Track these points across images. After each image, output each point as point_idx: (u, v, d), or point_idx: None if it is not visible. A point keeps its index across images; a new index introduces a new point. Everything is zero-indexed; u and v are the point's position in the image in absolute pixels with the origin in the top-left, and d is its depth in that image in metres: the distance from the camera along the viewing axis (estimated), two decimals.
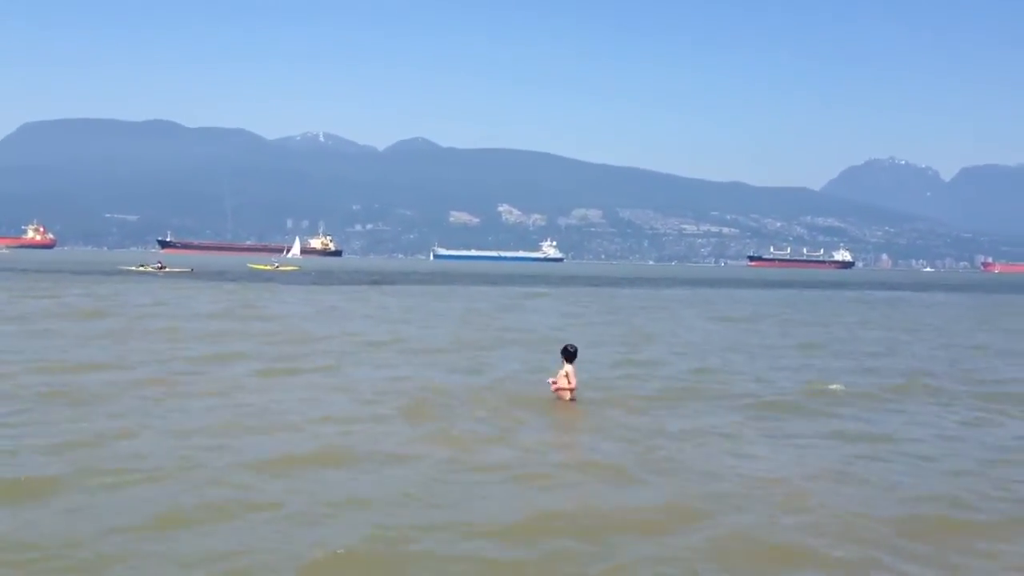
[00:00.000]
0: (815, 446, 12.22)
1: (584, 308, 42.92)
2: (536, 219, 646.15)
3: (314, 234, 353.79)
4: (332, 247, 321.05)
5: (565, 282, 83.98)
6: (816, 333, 31.03)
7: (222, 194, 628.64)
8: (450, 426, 12.60)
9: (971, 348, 27.17)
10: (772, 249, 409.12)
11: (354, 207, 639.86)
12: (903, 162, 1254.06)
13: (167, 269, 79.14)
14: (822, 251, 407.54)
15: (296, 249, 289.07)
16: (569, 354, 14.76)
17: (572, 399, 14.71)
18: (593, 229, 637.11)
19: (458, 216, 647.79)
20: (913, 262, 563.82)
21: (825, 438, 12.73)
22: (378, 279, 78.06)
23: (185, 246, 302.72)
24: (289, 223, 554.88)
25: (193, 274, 74.63)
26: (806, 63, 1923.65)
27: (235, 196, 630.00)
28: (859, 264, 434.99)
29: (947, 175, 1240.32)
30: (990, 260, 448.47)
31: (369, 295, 50.10)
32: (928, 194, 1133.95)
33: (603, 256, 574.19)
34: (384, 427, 12.48)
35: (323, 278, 75.89)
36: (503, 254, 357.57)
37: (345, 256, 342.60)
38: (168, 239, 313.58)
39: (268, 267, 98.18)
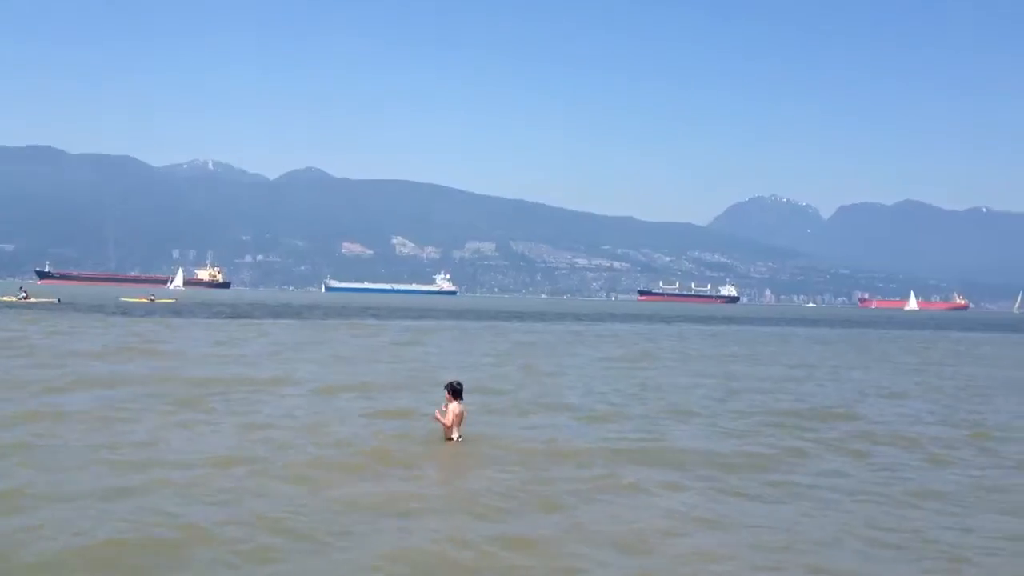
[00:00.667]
0: (728, 499, 12.14)
1: (481, 343, 42.67)
2: (430, 252, 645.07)
3: (201, 265, 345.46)
4: (220, 278, 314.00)
5: (460, 316, 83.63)
6: (714, 369, 31.40)
7: (105, 223, 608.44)
8: (346, 481, 12.09)
9: (857, 383, 27.89)
10: (661, 284, 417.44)
11: (244, 237, 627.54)
12: (785, 200, 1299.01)
13: (31, 299, 76.21)
14: (709, 286, 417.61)
15: (179, 280, 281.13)
16: (455, 391, 14.52)
17: (459, 438, 14.52)
18: (487, 262, 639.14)
19: (351, 248, 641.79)
20: (795, 297, 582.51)
21: (728, 490, 12.69)
22: (270, 312, 76.31)
23: (64, 277, 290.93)
24: (176, 253, 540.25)
25: (59, 305, 71.81)
26: (693, 102, 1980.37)
27: (119, 225, 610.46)
28: (744, 299, 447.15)
29: (826, 213, 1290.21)
30: (867, 296, 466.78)
31: (264, 329, 48.82)
32: (809, 231, 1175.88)
33: (496, 289, 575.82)
34: (279, 483, 11.92)
35: (213, 311, 73.75)
36: (397, 287, 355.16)
37: (234, 288, 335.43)
38: (47, 269, 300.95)
39: (143, 300, 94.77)
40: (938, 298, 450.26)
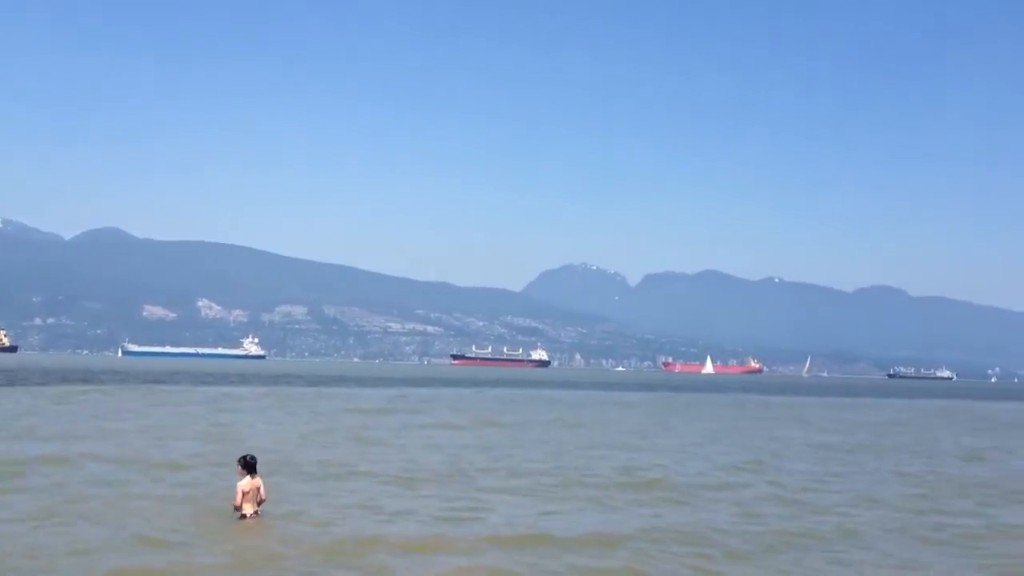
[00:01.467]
0: None
1: (302, 410, 40.86)
2: (237, 315, 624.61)
3: None
4: (6, 342, 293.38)
5: (271, 381, 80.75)
6: (539, 435, 31.10)
7: None
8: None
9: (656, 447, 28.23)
10: (474, 348, 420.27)
11: (34, 299, 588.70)
12: (595, 267, 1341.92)
13: None
14: (521, 350, 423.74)
15: None
16: (249, 465, 13.94)
17: (254, 514, 13.90)
18: (297, 326, 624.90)
19: (152, 310, 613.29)
20: (603, 361, 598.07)
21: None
22: (62, 378, 71.11)
23: None
24: None
25: None
26: (505, 168, 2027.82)
27: None
28: (555, 363, 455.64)
29: (633, 280, 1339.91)
30: (670, 360, 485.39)
31: (58, 396, 45.10)
32: (617, 298, 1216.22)
33: (307, 353, 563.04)
34: None
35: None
36: (201, 351, 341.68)
37: (21, 352, 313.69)
38: None
39: None
40: (735, 362, 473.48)
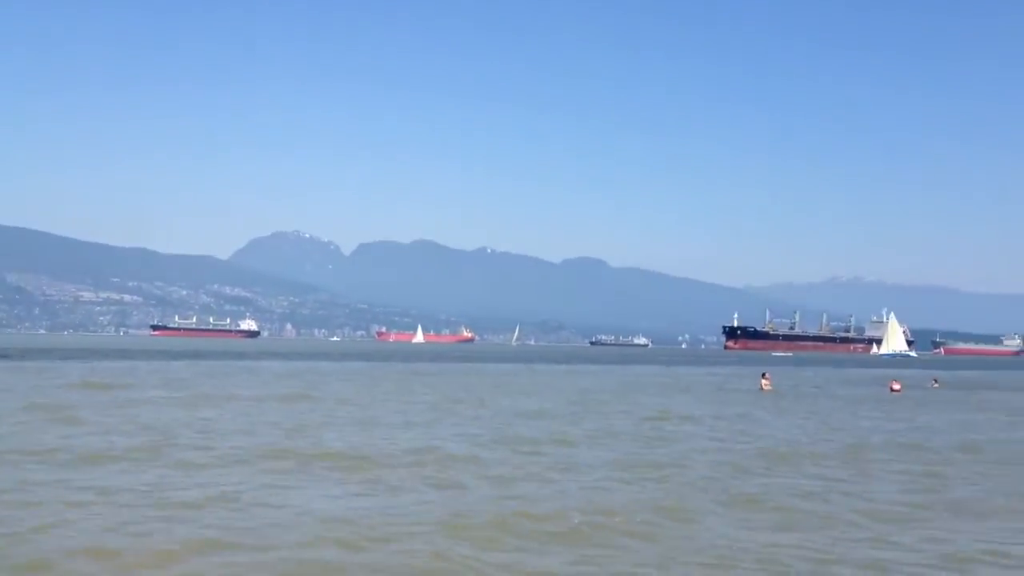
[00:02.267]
0: None
1: None
2: None
3: None
4: None
5: None
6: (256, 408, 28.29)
7: None
8: None
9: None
10: (177, 318, 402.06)
11: None
12: (307, 235, 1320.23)
13: None
14: (229, 320, 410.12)
15: None
16: None
17: None
18: None
19: None
20: (316, 331, 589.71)
21: None
22: None
23: None
24: None
25: None
26: (205, 131, 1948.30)
27: None
28: (265, 333, 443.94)
29: (347, 249, 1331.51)
30: (384, 329, 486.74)
31: None
32: (330, 267, 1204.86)
33: None
34: None
35: None
36: None
37: None
38: None
39: None
40: (448, 331, 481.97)
